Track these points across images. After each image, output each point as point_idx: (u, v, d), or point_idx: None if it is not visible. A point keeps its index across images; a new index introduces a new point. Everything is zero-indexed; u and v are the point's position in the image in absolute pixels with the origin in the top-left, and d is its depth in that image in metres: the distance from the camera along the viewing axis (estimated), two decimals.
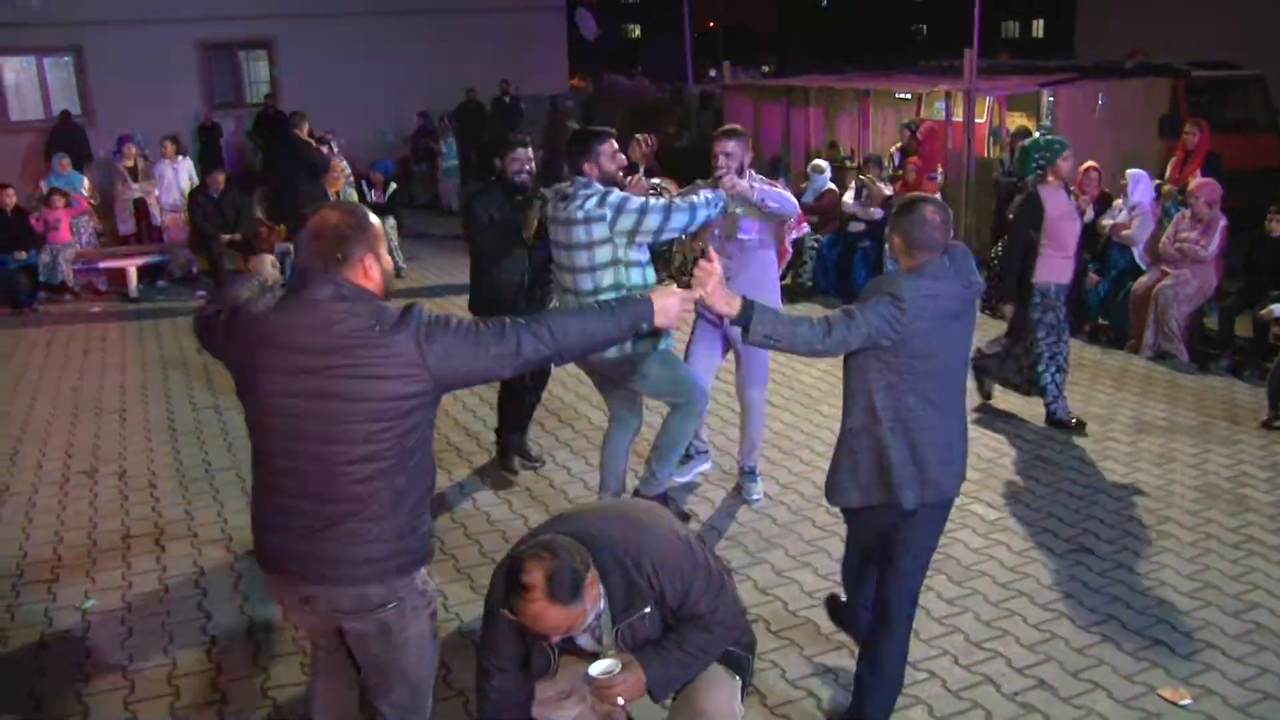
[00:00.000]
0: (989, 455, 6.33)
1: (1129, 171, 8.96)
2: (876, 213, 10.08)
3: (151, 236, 12.54)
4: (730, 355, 5.74)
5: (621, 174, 4.92)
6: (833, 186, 10.93)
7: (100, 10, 17.41)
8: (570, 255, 4.74)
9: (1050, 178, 6.61)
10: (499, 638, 3.01)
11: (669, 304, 2.96)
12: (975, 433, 6.64)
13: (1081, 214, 9.30)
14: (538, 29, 20.77)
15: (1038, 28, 54.97)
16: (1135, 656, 4.24)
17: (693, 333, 5.68)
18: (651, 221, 4.61)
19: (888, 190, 10.26)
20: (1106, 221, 8.85)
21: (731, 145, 5.11)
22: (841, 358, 3.44)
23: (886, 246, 7.89)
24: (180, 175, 12.32)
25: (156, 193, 12.38)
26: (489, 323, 2.74)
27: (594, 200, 4.61)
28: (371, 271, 2.74)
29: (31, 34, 17.37)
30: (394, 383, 2.62)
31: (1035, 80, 13.03)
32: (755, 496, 5.80)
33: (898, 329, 3.23)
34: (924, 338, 3.29)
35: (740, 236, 5.36)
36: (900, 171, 10.44)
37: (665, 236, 4.76)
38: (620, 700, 2.88)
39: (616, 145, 4.83)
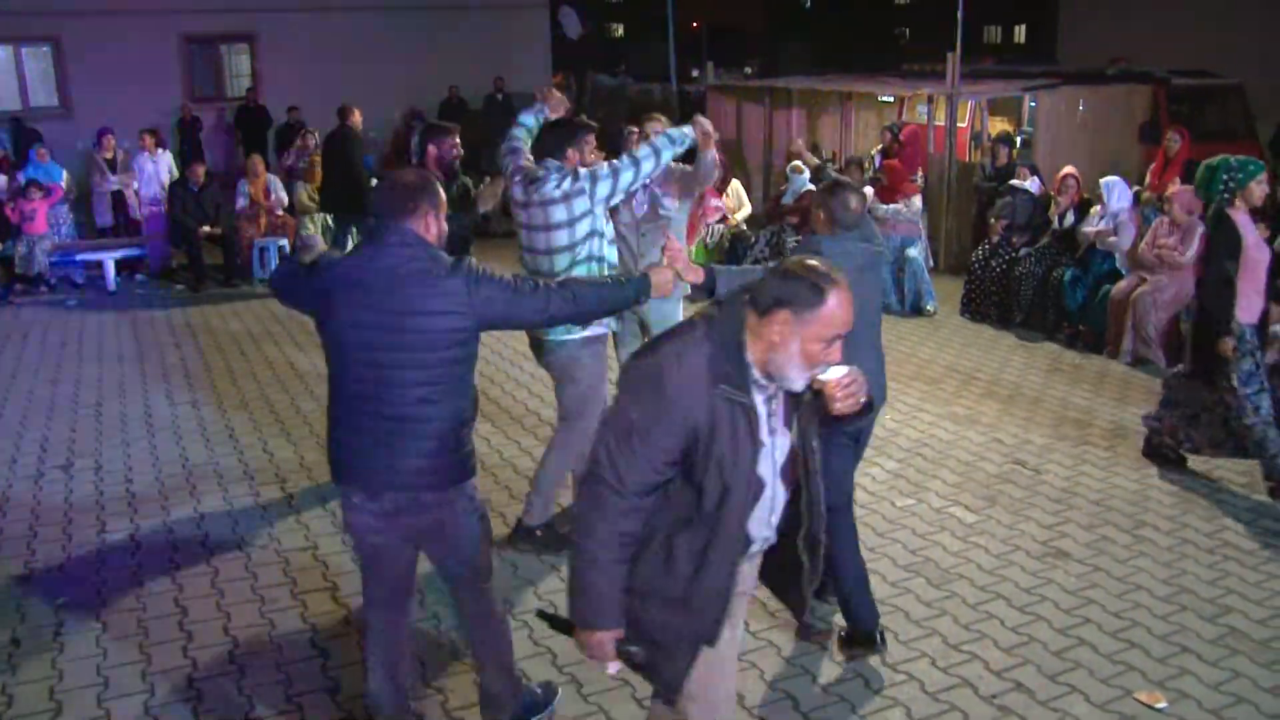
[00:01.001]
0: (967, 459, 6.35)
1: (1103, 180, 9.02)
2: None
3: (130, 229, 12.46)
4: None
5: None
6: (812, 187, 10.94)
7: (80, 0, 17.27)
8: (549, 236, 4.79)
9: (1238, 202, 5.74)
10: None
11: (662, 279, 3.43)
12: (953, 437, 6.68)
13: (1061, 218, 9.46)
14: (521, 27, 20.75)
15: (1020, 33, 55.27)
16: (1111, 660, 4.26)
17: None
18: (625, 177, 4.76)
19: (868, 191, 10.28)
20: (1087, 229, 8.90)
21: (662, 126, 5.40)
22: None
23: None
24: (160, 168, 12.22)
25: (136, 185, 12.29)
26: (528, 281, 3.28)
27: (568, 178, 4.74)
28: (431, 227, 3.24)
29: (8, 22, 17.20)
30: (447, 318, 3.12)
31: (1017, 85, 13.12)
32: None
33: None
34: None
35: (660, 212, 5.58)
36: (879, 174, 10.45)
37: (639, 185, 4.91)
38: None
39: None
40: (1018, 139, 12.11)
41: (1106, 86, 12.94)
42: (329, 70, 18.20)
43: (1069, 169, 9.50)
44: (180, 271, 11.67)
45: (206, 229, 11.26)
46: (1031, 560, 5.10)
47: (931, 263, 10.77)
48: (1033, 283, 9.33)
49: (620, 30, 55.89)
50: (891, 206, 10.03)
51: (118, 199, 12.51)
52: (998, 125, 13.50)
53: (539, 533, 5.13)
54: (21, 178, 11.71)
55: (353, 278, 3.18)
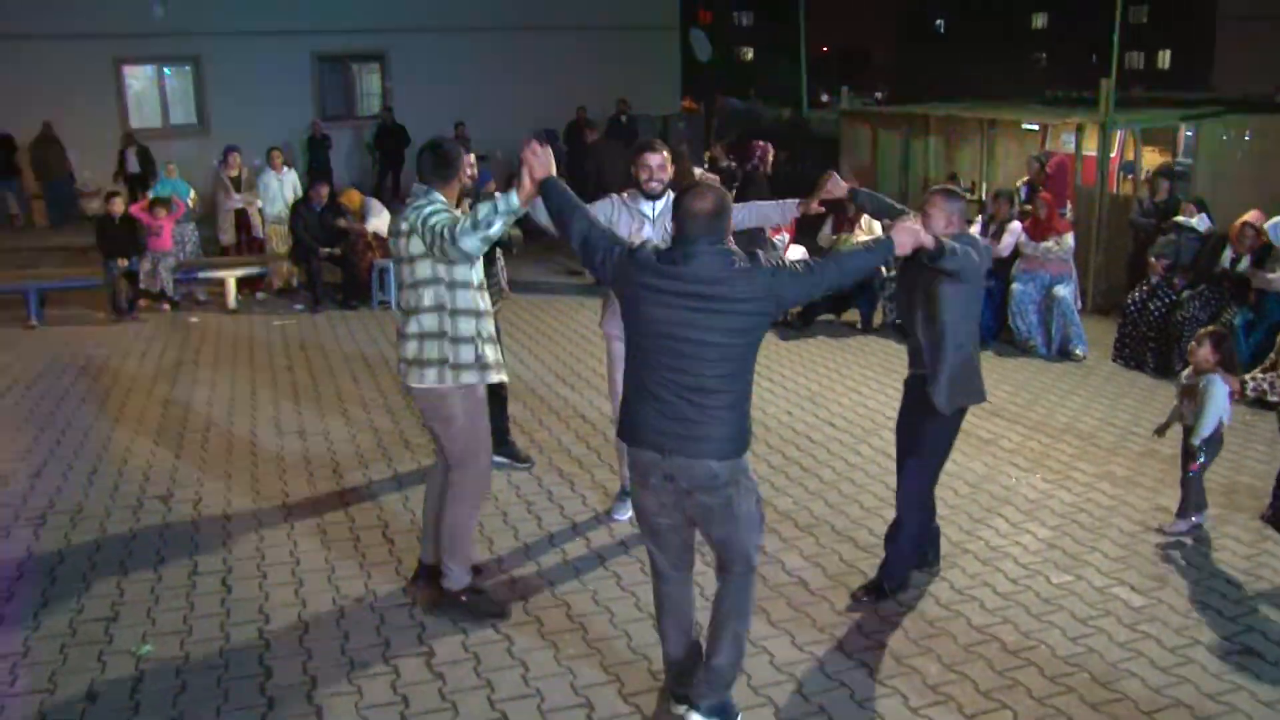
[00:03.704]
0: (1130, 529, 5.68)
1: (1270, 224, 8.22)
2: (1004, 249, 9.44)
3: (252, 248, 12.47)
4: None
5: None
6: (901, 207, 10.28)
7: (220, 22, 17.61)
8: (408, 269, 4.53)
9: None
10: None
11: (904, 237, 3.93)
12: (1113, 502, 6.00)
13: (1234, 262, 8.64)
14: (651, 49, 20.48)
15: (1164, 59, 53.14)
16: None
17: (613, 364, 5.54)
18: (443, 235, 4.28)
19: (1015, 225, 9.60)
20: (1271, 275, 8.11)
21: (659, 159, 5.22)
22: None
23: None
24: (286, 187, 12.20)
25: (259, 204, 12.29)
26: (806, 264, 3.71)
27: (412, 212, 4.43)
28: (727, 234, 3.68)
29: (153, 44, 17.63)
30: (748, 304, 3.53)
31: (1176, 114, 12.23)
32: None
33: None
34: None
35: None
36: (1030, 207, 9.75)
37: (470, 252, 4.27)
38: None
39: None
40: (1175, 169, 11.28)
41: (1276, 115, 11.98)
42: (456, 91, 18.22)
43: (1250, 216, 8.66)
44: (300, 291, 11.60)
45: (325, 250, 11.14)
46: (1214, 659, 4.43)
47: (1080, 303, 10.01)
48: (1196, 327, 8.53)
49: (749, 54, 55.55)
50: (1043, 244, 9.33)
51: (241, 217, 12.52)
52: (1149, 156, 12.63)
53: (464, 598, 4.65)
54: (149, 195, 11.81)
55: (665, 273, 3.57)
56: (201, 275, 11.48)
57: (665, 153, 5.37)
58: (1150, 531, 5.64)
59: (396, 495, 6.07)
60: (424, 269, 4.39)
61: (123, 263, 10.80)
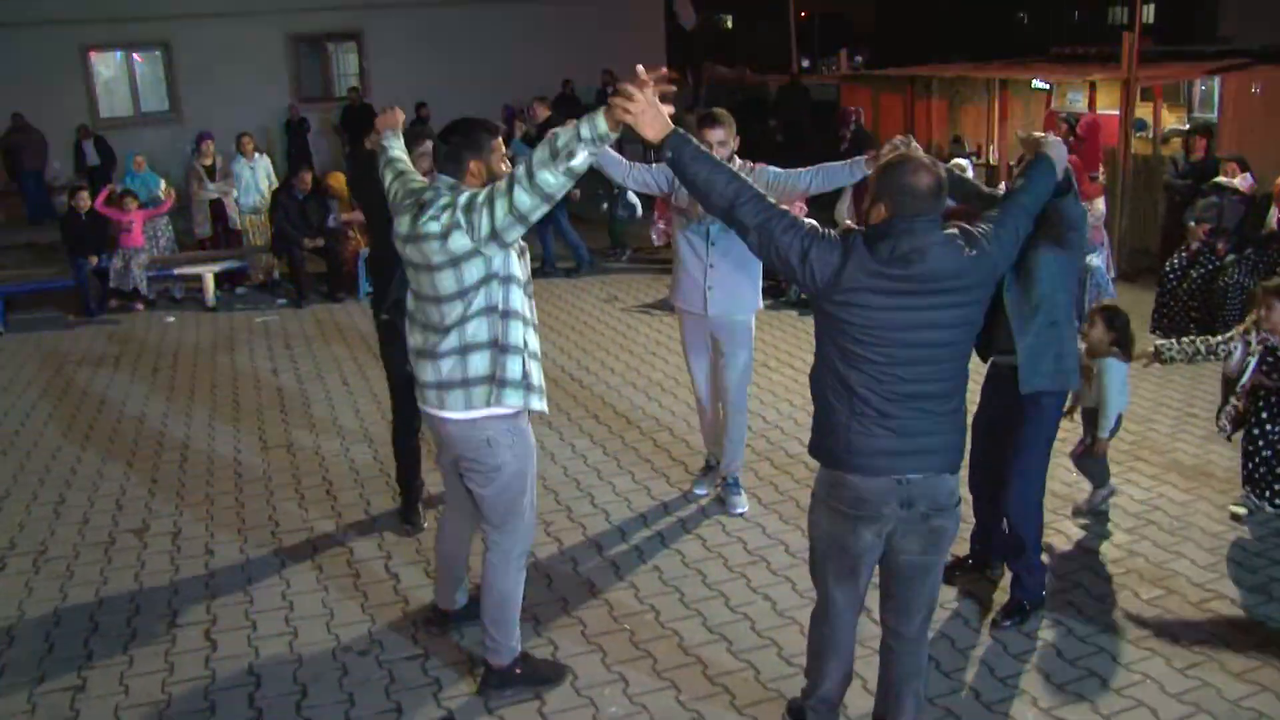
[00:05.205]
0: (1215, 528, 5.11)
1: None
2: None
3: (230, 240, 11.79)
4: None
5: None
6: (979, 183, 9.68)
7: (190, 4, 16.87)
8: (434, 278, 3.54)
9: None
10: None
11: (1060, 151, 3.59)
12: (1188, 498, 5.43)
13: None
14: (635, 17, 19.80)
15: (1148, 12, 52.27)
16: None
17: (684, 343, 5.48)
18: (501, 207, 3.38)
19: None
20: None
21: (721, 133, 4.91)
22: None
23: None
24: (258, 174, 11.49)
25: (235, 194, 11.58)
26: (994, 223, 3.14)
27: (448, 209, 3.47)
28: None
29: (120, 29, 16.93)
30: (979, 290, 3.07)
31: (1201, 68, 11.61)
32: (739, 510, 5.41)
33: None
34: None
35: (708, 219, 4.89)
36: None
37: (541, 209, 3.39)
38: None
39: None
40: (1185, 129, 10.70)
41: None
42: (439, 66, 17.55)
43: None
44: (283, 284, 10.95)
45: (309, 242, 10.47)
46: None
47: (1113, 271, 9.44)
48: (1241, 295, 7.99)
49: (729, 21, 54.63)
50: None
51: (216, 208, 11.81)
52: (1165, 115, 12.05)
53: (518, 670, 3.93)
54: (118, 187, 11.11)
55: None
56: (177, 271, 10.80)
57: (729, 125, 4.96)
58: (1235, 530, 5.08)
59: (398, 519, 5.45)
60: (473, 270, 3.46)
61: (93, 261, 10.12)
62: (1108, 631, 4.27)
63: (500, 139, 3.66)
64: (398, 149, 4.20)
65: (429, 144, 4.45)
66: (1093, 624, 4.32)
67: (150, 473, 6.23)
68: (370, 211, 5.15)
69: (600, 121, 3.21)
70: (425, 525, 5.30)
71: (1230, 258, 8.25)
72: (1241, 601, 4.47)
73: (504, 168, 3.59)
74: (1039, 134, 3.85)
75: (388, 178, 3.99)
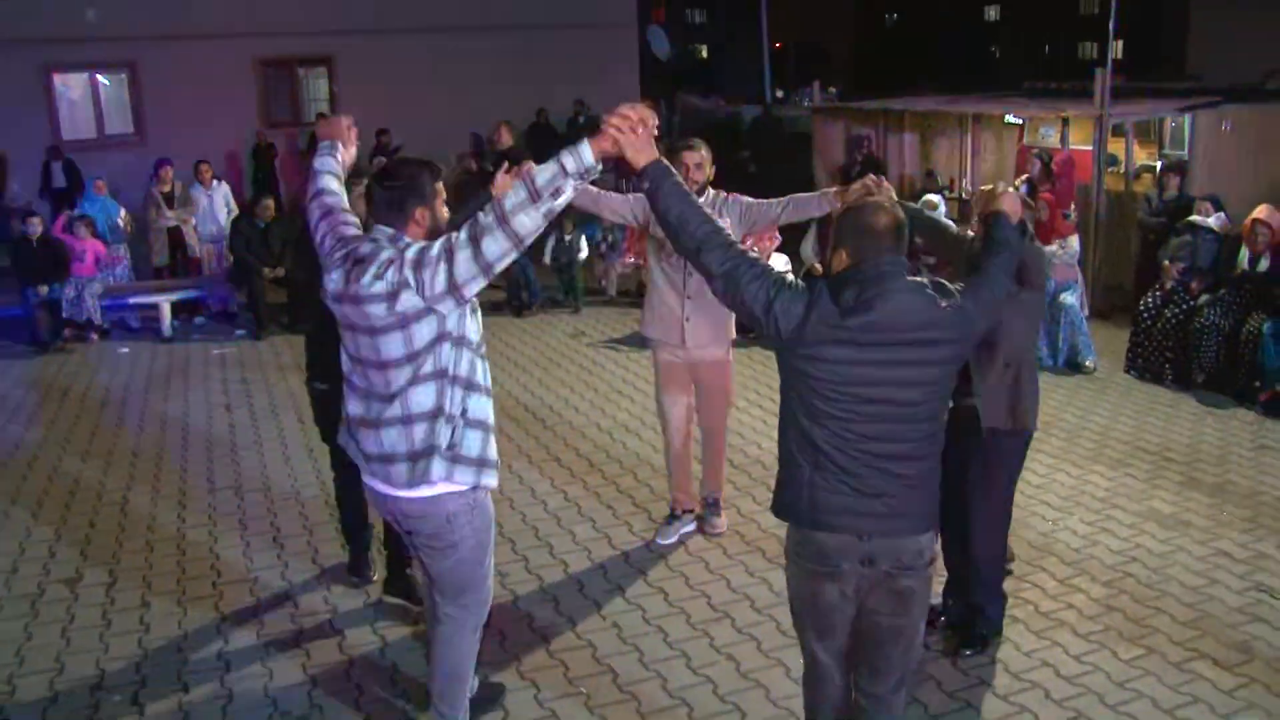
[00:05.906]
0: (1194, 582, 4.93)
1: None
2: None
3: (188, 269, 11.50)
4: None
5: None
6: (948, 223, 9.57)
7: (156, 25, 16.60)
8: (374, 342, 3.20)
9: None
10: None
11: (1011, 204, 3.47)
12: (1167, 549, 5.26)
13: (1253, 263, 7.98)
14: (609, 47, 19.70)
15: (1117, 49, 53.05)
16: None
17: (658, 380, 5.36)
18: (463, 257, 3.06)
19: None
20: None
21: (698, 156, 4.94)
22: None
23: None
24: (216, 201, 11.23)
25: (194, 222, 11.31)
26: (976, 283, 3.04)
27: (394, 264, 3.11)
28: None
29: (85, 50, 16.63)
30: (953, 346, 2.95)
31: (1172, 105, 11.58)
32: (718, 530, 5.47)
33: None
34: None
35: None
36: (1034, 208, 9.03)
37: (510, 255, 3.10)
38: None
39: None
40: (1157, 165, 10.65)
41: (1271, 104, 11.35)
42: (410, 94, 17.33)
43: (1259, 213, 7.99)
44: (242, 314, 10.67)
45: (270, 272, 10.21)
46: None
47: (1087, 309, 9.33)
48: (1216, 336, 7.89)
49: (704, 51, 54.96)
50: (1049, 248, 8.61)
51: (175, 236, 11.52)
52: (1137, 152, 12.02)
53: None
54: (75, 213, 10.83)
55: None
56: (133, 300, 10.51)
57: (704, 151, 5.01)
58: (1215, 585, 4.91)
59: (346, 571, 5.20)
60: (425, 331, 3.13)
61: (42, 291, 9.80)
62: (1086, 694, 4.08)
63: (442, 182, 3.34)
64: (332, 174, 3.59)
65: (365, 183, 3.97)
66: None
67: (90, 516, 5.94)
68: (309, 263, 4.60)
69: (586, 152, 3.01)
70: (374, 577, 5.05)
71: (1204, 297, 8.15)
72: (1226, 661, 4.30)
73: (445, 213, 3.33)
74: (986, 187, 3.84)
75: (314, 215, 3.47)
